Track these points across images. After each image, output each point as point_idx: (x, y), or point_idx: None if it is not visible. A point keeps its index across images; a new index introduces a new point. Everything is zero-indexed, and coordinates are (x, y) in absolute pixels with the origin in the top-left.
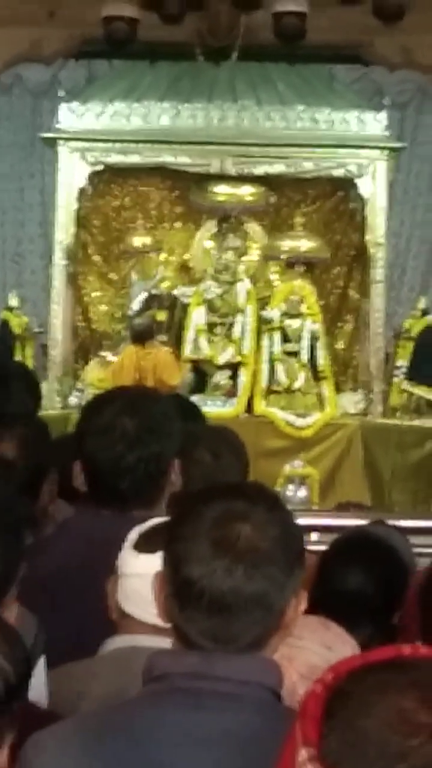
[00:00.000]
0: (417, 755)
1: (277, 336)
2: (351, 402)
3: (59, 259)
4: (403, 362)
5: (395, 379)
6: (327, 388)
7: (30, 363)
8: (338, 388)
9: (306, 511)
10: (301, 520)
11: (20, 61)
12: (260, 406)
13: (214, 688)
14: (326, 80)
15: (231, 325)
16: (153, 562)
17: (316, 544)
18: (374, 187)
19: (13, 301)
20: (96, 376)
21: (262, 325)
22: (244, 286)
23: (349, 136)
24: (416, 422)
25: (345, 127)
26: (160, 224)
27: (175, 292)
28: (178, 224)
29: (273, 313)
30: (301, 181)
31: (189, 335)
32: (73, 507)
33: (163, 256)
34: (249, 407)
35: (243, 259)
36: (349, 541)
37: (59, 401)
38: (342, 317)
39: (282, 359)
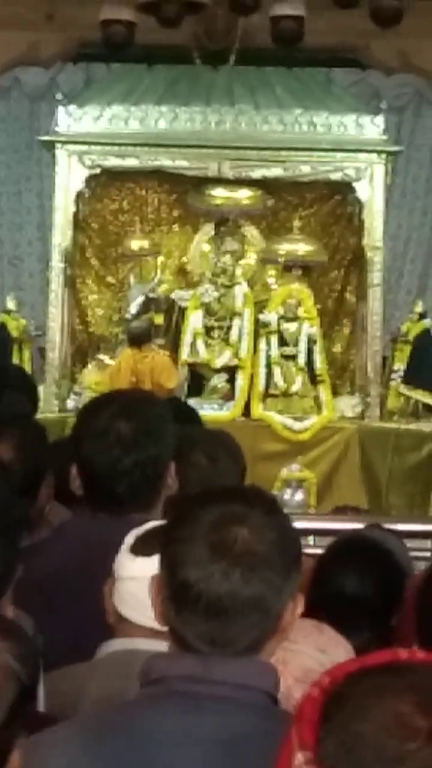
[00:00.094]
0: (414, 759)
1: (274, 339)
2: (348, 405)
3: (57, 262)
4: (400, 366)
5: (392, 383)
6: (324, 392)
7: (27, 366)
8: (335, 392)
9: (303, 515)
10: (298, 524)
11: (18, 65)
12: (257, 410)
13: (211, 691)
14: (324, 84)
15: (228, 328)
16: (150, 565)
17: (312, 547)
18: (372, 191)
19: (11, 304)
20: (93, 379)
21: (260, 328)
22: (241, 289)
23: (347, 140)
24: (413, 426)
25: (342, 131)
26: (157, 227)
27: (173, 295)
28: (175, 227)
29: (270, 316)
30: (299, 185)
31: (186, 338)
32: (69, 510)
33: (160, 259)
34: (246, 411)
35: (240, 262)
36: (345, 544)
37: (57, 404)
38: (339, 321)
39: (279, 363)
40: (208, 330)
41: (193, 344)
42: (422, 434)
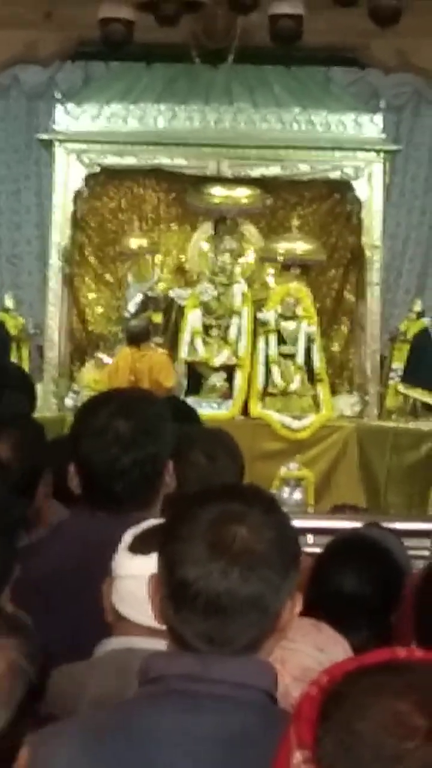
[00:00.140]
0: (412, 758)
1: (272, 338)
2: (347, 404)
3: (55, 261)
4: (398, 365)
5: (391, 382)
6: (322, 391)
7: (26, 364)
8: (334, 391)
9: (301, 514)
10: (297, 523)
11: (17, 63)
12: (256, 409)
13: (210, 690)
14: (322, 83)
15: (227, 327)
16: (148, 564)
17: (311, 546)
18: (370, 190)
19: (10, 303)
20: (92, 378)
21: (258, 327)
22: (240, 288)
23: (346, 139)
24: (411, 425)
25: (341, 130)
26: (156, 226)
27: (171, 294)
28: (174, 226)
29: (269, 315)
30: (297, 184)
31: (185, 337)
32: (67, 509)
33: (159, 258)
34: (245, 409)
35: (239, 261)
36: (344, 543)
37: (55, 403)
38: (338, 319)
39: (278, 361)
40: (206, 328)
41: (191, 343)
42: (421, 433)
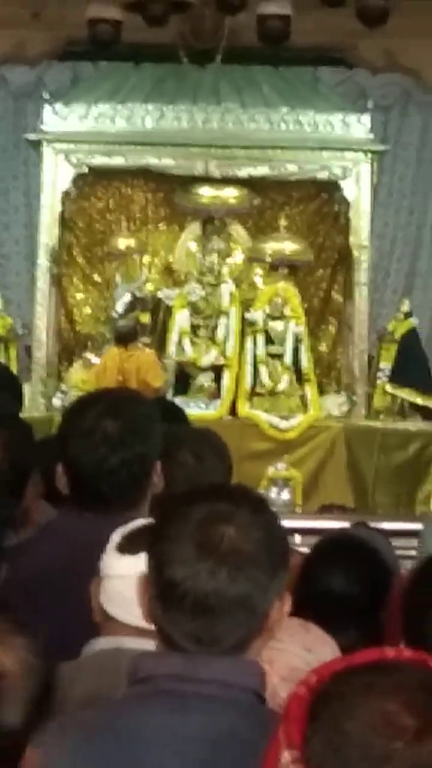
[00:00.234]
0: (401, 758)
1: (260, 338)
2: (334, 404)
3: (44, 261)
4: (386, 365)
5: (378, 382)
6: (310, 391)
7: (14, 364)
8: (321, 391)
9: (289, 514)
10: (284, 523)
11: (4, 63)
12: (244, 409)
13: (198, 690)
14: (310, 83)
15: (215, 327)
16: (136, 564)
17: (298, 546)
18: (358, 190)
19: None
20: (80, 378)
21: (246, 327)
22: (227, 288)
23: (333, 139)
24: (399, 425)
25: (329, 130)
26: (144, 226)
27: (159, 294)
28: (162, 226)
29: (257, 315)
30: (285, 184)
31: (173, 337)
32: (55, 509)
33: (147, 258)
34: (232, 409)
35: (227, 261)
36: (331, 543)
37: (43, 403)
38: (326, 319)
39: (266, 361)
40: (194, 329)
41: (179, 343)
42: (408, 433)
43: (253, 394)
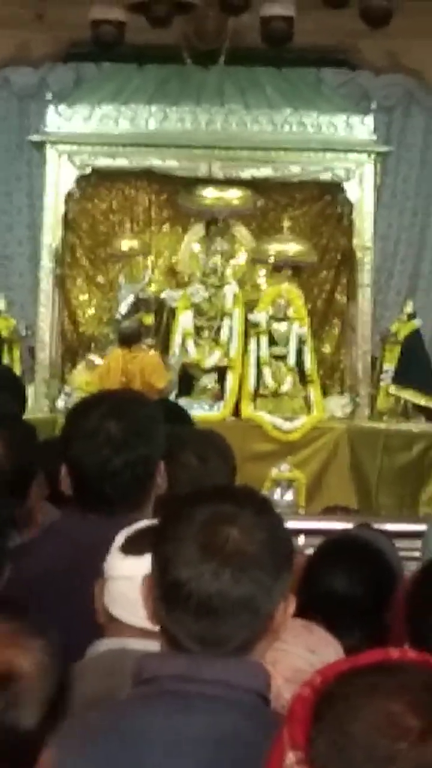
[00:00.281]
0: (405, 759)
1: (264, 339)
2: (338, 405)
3: (47, 262)
4: (389, 366)
5: (382, 383)
6: (314, 392)
7: (17, 366)
8: (325, 392)
9: (292, 515)
10: (288, 524)
11: (8, 64)
12: (247, 410)
13: (202, 691)
14: (313, 84)
15: (218, 328)
16: (140, 565)
17: (302, 547)
18: (361, 191)
19: (1, 304)
20: (83, 380)
21: (250, 328)
22: (231, 289)
23: (336, 140)
24: (403, 426)
25: (332, 131)
26: (147, 228)
27: (163, 295)
28: (165, 228)
29: (260, 316)
30: (289, 185)
31: (176, 339)
32: (59, 510)
33: (150, 259)
34: (236, 411)
35: (230, 262)
36: (334, 544)
37: (46, 404)
38: (329, 321)
39: (269, 363)
40: (198, 330)
41: (182, 344)
42: (412, 434)
43: (256, 395)
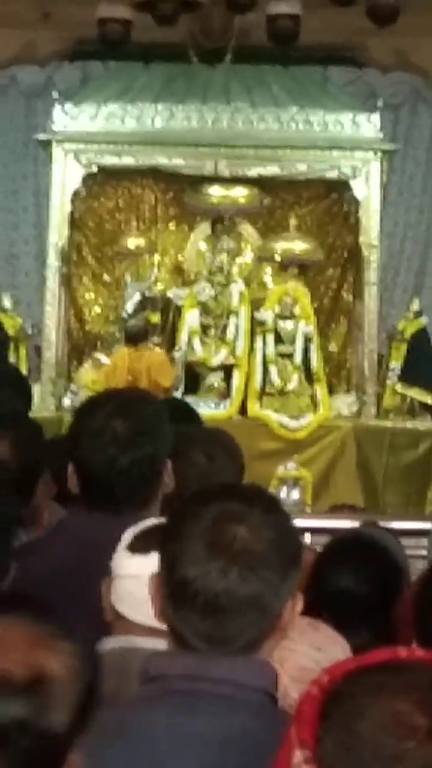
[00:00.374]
0: (412, 758)
1: (270, 338)
2: (344, 404)
3: (53, 261)
4: (396, 364)
5: (388, 381)
6: (320, 390)
7: (23, 364)
8: (331, 390)
9: (299, 513)
10: (294, 522)
11: (14, 63)
12: (254, 408)
13: (210, 690)
14: (320, 82)
15: (224, 326)
16: (147, 564)
17: (309, 545)
18: (368, 189)
19: (7, 303)
20: (89, 378)
21: (256, 326)
22: (237, 287)
23: (343, 138)
24: (409, 424)
25: (338, 129)
26: (153, 226)
27: (169, 293)
28: (171, 226)
29: (266, 314)
30: (295, 183)
31: (183, 337)
32: (65, 508)
33: (157, 257)
34: (242, 409)
35: (237, 260)
36: (341, 542)
37: (53, 403)
38: (335, 319)
39: (275, 361)
40: (204, 328)
41: (189, 343)
42: (418, 432)
43: (263, 393)
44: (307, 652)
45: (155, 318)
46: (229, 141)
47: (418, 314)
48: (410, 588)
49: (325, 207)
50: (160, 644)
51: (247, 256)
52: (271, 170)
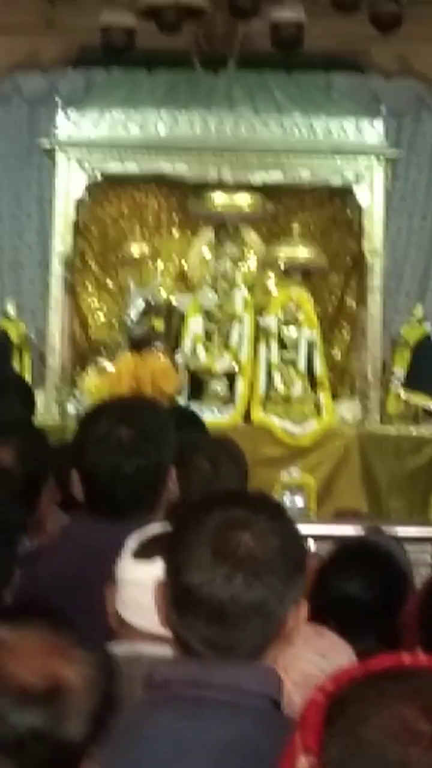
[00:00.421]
0: (417, 763)
1: (274, 344)
2: (348, 410)
3: (57, 268)
4: (400, 370)
5: (392, 387)
6: (324, 396)
7: (27, 371)
8: (335, 396)
9: (303, 520)
10: (299, 529)
11: (17, 70)
12: (257, 414)
13: (214, 696)
14: (323, 88)
15: (228, 333)
16: (151, 570)
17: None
18: (371, 196)
19: (11, 310)
20: (93, 385)
21: (259, 333)
22: (241, 294)
23: (346, 145)
24: (413, 430)
25: (342, 136)
26: (157, 232)
27: (173, 300)
28: (175, 232)
29: (270, 321)
30: (298, 190)
31: (186, 343)
32: (68, 515)
33: (160, 264)
34: (246, 415)
35: (240, 267)
36: (345, 548)
37: (57, 410)
38: (339, 325)
39: (279, 367)
40: (207, 335)
41: (193, 349)
42: (422, 438)
43: (266, 399)
44: (312, 659)
45: (159, 325)
46: (233, 147)
47: (422, 320)
48: (414, 594)
49: (329, 213)
50: (165, 651)
51: (251, 263)
52: (275, 177)
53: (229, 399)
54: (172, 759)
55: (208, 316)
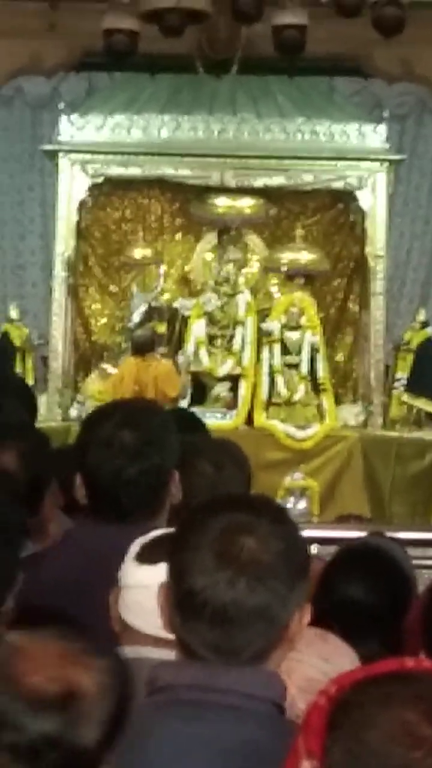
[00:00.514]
0: (420, 767)
1: (277, 348)
2: (351, 414)
3: (60, 271)
4: (402, 374)
5: (395, 391)
6: (327, 400)
7: (30, 375)
8: (338, 400)
9: (306, 523)
10: (302, 532)
11: (20, 74)
12: (260, 419)
13: (217, 700)
14: (326, 93)
15: (231, 337)
16: (154, 574)
17: (316, 556)
18: (374, 200)
19: (14, 313)
20: (96, 388)
21: (262, 337)
22: (244, 298)
23: (349, 149)
24: (416, 434)
25: (345, 140)
26: (160, 236)
27: (176, 304)
28: (178, 236)
29: (273, 325)
30: (301, 194)
31: (189, 347)
32: (72, 519)
33: (163, 268)
34: (249, 419)
35: (243, 271)
36: (348, 552)
37: (60, 413)
38: (342, 329)
39: (282, 371)
40: (210, 339)
41: (196, 353)
42: (425, 442)
43: (269, 403)
44: (315, 663)
45: (162, 328)
46: (236, 151)
47: (425, 324)
48: (417, 598)
49: (331, 217)
50: (168, 654)
51: (254, 267)
52: (277, 181)
53: (232, 403)
54: (174, 763)
55: (211, 319)
